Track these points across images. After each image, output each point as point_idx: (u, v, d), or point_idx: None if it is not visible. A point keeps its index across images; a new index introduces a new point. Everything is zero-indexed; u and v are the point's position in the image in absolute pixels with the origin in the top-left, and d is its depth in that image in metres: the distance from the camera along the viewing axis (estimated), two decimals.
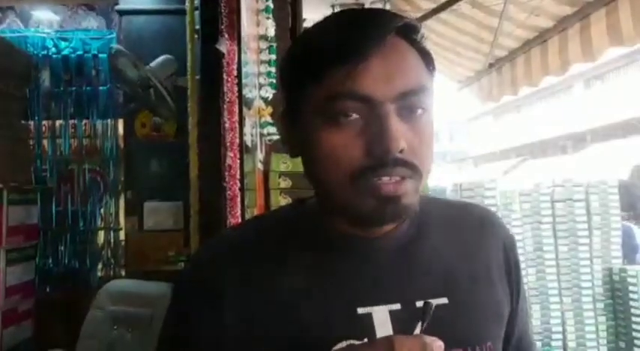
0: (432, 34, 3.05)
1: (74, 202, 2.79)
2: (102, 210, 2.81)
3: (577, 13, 2.21)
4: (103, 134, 2.81)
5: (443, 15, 2.59)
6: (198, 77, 2.09)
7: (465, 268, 0.55)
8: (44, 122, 2.82)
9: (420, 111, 0.49)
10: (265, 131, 1.54)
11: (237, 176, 1.14)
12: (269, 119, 1.55)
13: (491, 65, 2.97)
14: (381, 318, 0.50)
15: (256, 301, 0.50)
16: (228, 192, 1.13)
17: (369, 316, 0.50)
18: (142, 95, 2.27)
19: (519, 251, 2.98)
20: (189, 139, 2.11)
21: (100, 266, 2.76)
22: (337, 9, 2.84)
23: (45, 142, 2.83)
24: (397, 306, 0.51)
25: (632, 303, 3.10)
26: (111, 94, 2.78)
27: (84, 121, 2.82)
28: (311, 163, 0.51)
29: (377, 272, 0.52)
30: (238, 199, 1.14)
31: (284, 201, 1.59)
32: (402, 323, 0.49)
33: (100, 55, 2.75)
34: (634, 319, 3.08)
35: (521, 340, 0.61)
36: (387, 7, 2.77)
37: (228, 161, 1.12)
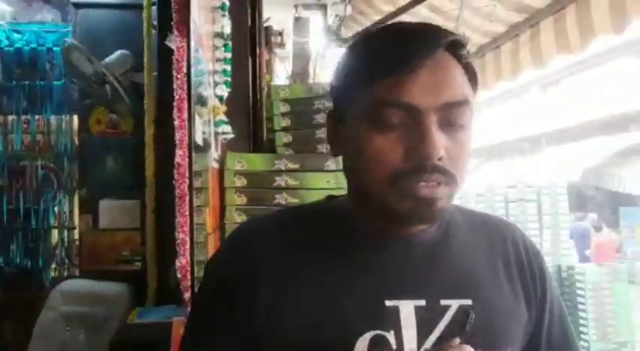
0: None
1: (26, 200, 2.69)
2: (55, 208, 2.72)
3: (527, 20, 2.31)
4: (57, 130, 2.72)
5: (403, 17, 2.65)
6: (155, 73, 2.07)
7: (487, 272, 0.58)
8: None
9: (460, 124, 0.52)
10: (220, 130, 1.54)
11: (187, 175, 1.13)
12: (224, 118, 1.55)
13: None
14: (407, 312, 0.53)
15: (289, 288, 0.53)
16: (178, 191, 1.13)
17: (396, 309, 0.53)
18: (97, 91, 2.22)
19: None
20: (145, 136, 2.09)
21: (53, 266, 2.68)
22: (300, 9, 2.85)
23: None
24: (422, 302, 0.53)
25: (579, 299, 3.26)
26: (65, 90, 2.69)
27: (37, 117, 2.72)
28: (353, 163, 0.55)
29: (405, 268, 0.55)
30: (187, 197, 1.14)
31: (239, 200, 1.59)
32: (426, 319, 0.53)
33: (55, 49, 2.66)
34: (580, 314, 3.24)
35: None
36: (349, 8, 2.80)
37: (177, 159, 1.12)
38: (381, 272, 0.55)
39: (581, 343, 3.25)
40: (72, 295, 2.18)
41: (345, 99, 0.56)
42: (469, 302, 0.54)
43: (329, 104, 1.89)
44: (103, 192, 2.39)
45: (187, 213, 1.15)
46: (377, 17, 2.64)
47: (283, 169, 1.61)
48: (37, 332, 2.12)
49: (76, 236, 2.63)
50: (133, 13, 2.25)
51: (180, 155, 1.13)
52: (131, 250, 2.27)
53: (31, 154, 2.72)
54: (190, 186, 1.13)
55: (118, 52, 2.22)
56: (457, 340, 0.46)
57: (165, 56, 1.64)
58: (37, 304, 2.18)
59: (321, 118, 1.76)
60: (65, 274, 2.65)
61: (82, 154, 2.51)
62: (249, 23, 1.93)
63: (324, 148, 1.75)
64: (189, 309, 0.64)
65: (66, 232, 2.70)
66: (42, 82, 2.71)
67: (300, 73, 3.01)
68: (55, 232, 2.72)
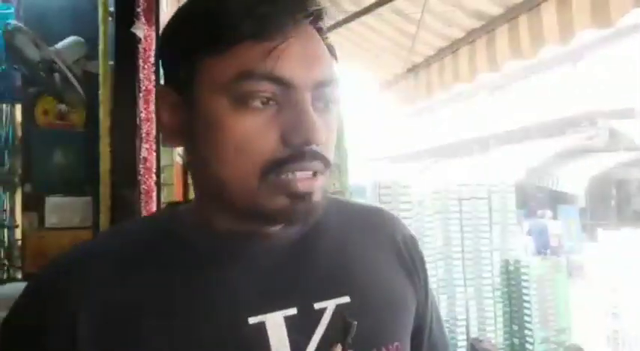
0: (356, 36, 3.15)
1: None
2: None
3: (484, 27, 2.42)
4: None
5: (365, 18, 2.68)
6: (111, 63, 1.96)
7: (366, 267, 0.52)
8: None
9: (330, 104, 0.46)
10: None
11: (154, 170, 1.09)
12: None
13: (409, 70, 3.13)
14: (276, 325, 0.45)
15: (129, 331, 0.42)
16: (143, 186, 1.07)
17: (261, 325, 0.45)
18: (44, 79, 2.06)
19: (430, 246, 3.17)
20: (99, 129, 1.97)
21: None
22: None
23: None
24: (293, 310, 0.46)
25: (524, 290, 3.47)
26: (7, 76, 2.49)
27: None
28: (205, 153, 0.44)
29: (269, 275, 0.47)
30: (154, 193, 1.09)
31: None
32: (300, 329, 0.45)
33: None
34: (525, 304, 3.44)
35: (436, 345, 0.59)
36: None
37: (144, 153, 1.07)
38: (240, 285, 0.46)
39: (526, 331, 3.46)
40: (12, 300, 2.03)
41: (192, 70, 0.44)
42: (347, 299, 0.48)
43: None
44: (50, 188, 2.23)
45: (154, 209, 1.10)
46: (341, 17, 2.65)
47: None
48: None
49: (18, 236, 2.44)
50: None
51: (146, 149, 1.09)
52: None
53: None
54: (158, 181, 1.09)
55: (70, 38, 2.08)
56: (339, 348, 0.40)
57: (124, 44, 1.55)
58: None
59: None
60: (5, 277, 2.45)
61: (27, 147, 2.34)
62: None
63: None
64: None
65: (6, 231, 2.51)
66: None
67: None
68: None
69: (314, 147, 0.43)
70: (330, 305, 0.47)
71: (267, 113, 0.42)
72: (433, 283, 3.51)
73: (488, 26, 2.38)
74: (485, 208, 3.66)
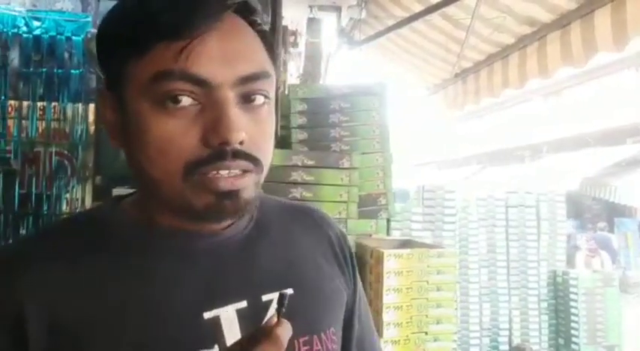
0: (405, 41, 3.19)
1: (39, 185, 2.74)
2: (68, 194, 2.77)
3: (535, 33, 2.40)
4: (73, 118, 2.78)
5: (415, 24, 2.73)
6: None
7: (305, 261, 0.55)
8: (10, 102, 2.76)
9: (261, 99, 0.45)
10: None
11: None
12: None
13: (457, 75, 3.14)
14: (229, 319, 0.47)
15: (76, 323, 0.42)
16: None
17: (216, 319, 0.46)
18: None
19: (474, 252, 3.14)
20: None
21: None
22: (315, 10, 2.92)
23: (10, 122, 2.77)
24: (243, 303, 0.48)
25: (572, 303, 3.35)
26: (83, 78, 2.75)
27: (53, 104, 2.78)
28: (136, 153, 0.44)
29: (218, 270, 0.48)
30: None
31: None
32: (250, 320, 0.47)
33: (74, 38, 2.72)
34: (572, 318, 3.33)
35: (364, 339, 0.61)
36: (363, 13, 2.88)
37: None
38: (192, 280, 0.47)
39: (572, 345, 3.35)
40: None
41: (119, 73, 0.44)
42: (290, 291, 0.48)
43: (345, 105, 1.97)
44: (117, 181, 2.45)
45: None
46: (390, 22, 2.72)
47: (300, 164, 1.69)
48: None
49: None
50: None
51: None
52: None
53: (46, 141, 2.77)
54: None
55: None
56: (275, 316, 0.40)
57: None
58: None
59: (335, 117, 1.83)
60: None
61: (98, 143, 2.58)
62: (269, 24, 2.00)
63: (337, 146, 1.82)
64: None
65: None
66: (60, 70, 2.76)
67: (310, 73, 3.07)
68: None
69: (237, 146, 0.42)
70: (276, 297, 0.46)
71: (188, 113, 0.42)
72: (475, 290, 3.47)
73: (540, 32, 2.36)
74: (533, 217, 3.57)
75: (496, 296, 3.51)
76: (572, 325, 3.31)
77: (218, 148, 0.42)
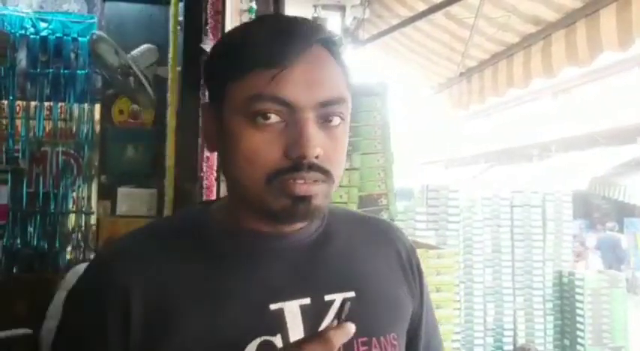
0: (409, 40, 3.18)
1: (46, 184, 2.78)
2: (74, 193, 2.81)
3: (540, 32, 2.37)
4: (79, 118, 2.80)
5: (419, 23, 2.71)
6: (179, 68, 2.15)
7: (369, 268, 0.59)
8: (18, 102, 2.80)
9: (337, 120, 0.51)
10: None
11: (215, 167, 1.22)
12: None
13: (461, 74, 3.12)
14: (293, 313, 0.52)
15: (167, 309, 0.50)
16: (206, 182, 1.21)
17: (280, 311, 0.52)
18: (121, 82, 2.30)
19: (478, 252, 3.13)
20: (167, 128, 2.17)
21: (69, 249, 2.76)
22: (319, 9, 2.92)
23: (18, 122, 2.81)
24: (307, 300, 0.53)
25: (577, 304, 3.33)
26: (89, 79, 2.78)
27: (60, 104, 2.81)
28: (229, 160, 0.52)
29: (287, 268, 0.55)
30: (214, 188, 1.22)
31: None
32: (312, 317, 0.53)
33: (80, 39, 2.75)
34: (578, 319, 3.30)
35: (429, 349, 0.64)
36: (367, 11, 2.87)
37: (207, 153, 1.20)
38: (264, 275, 0.53)
39: (578, 346, 3.32)
40: None
41: (221, 92, 0.52)
42: (352, 294, 0.55)
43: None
44: (122, 180, 2.47)
45: None
46: (395, 21, 2.71)
47: None
48: (50, 312, 2.20)
49: (93, 221, 2.72)
50: (157, 7, 2.33)
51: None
52: None
53: (53, 140, 2.80)
54: (218, 178, 1.22)
55: (144, 46, 2.30)
56: (335, 321, 0.45)
57: (191, 53, 1.72)
58: (51, 285, 2.26)
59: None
60: (81, 257, 2.74)
61: (103, 142, 2.60)
62: None
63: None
64: None
65: (83, 216, 2.78)
66: (66, 71, 2.79)
67: None
68: (72, 217, 2.80)
69: (312, 160, 0.49)
70: (338, 298, 0.54)
71: (274, 129, 0.49)
72: (480, 290, 3.46)
73: (545, 31, 2.34)
74: (538, 216, 3.54)
75: (501, 296, 3.49)
76: (578, 326, 3.29)
77: (297, 161, 0.49)
